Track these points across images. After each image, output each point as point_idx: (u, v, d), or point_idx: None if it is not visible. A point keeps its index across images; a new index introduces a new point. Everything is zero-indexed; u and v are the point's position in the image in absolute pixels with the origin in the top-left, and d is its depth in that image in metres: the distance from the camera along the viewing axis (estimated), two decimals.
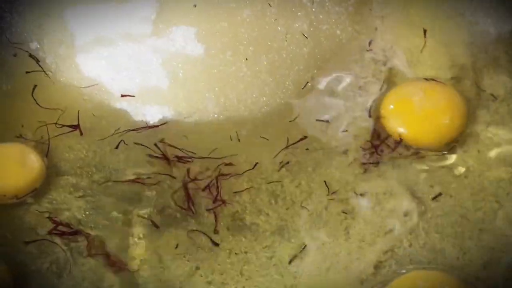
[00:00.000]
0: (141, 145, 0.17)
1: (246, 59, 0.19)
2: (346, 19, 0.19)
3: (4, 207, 0.17)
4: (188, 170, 0.17)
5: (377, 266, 0.16)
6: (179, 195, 0.17)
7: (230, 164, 0.17)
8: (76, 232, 0.17)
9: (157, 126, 0.18)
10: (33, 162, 0.18)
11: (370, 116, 0.17)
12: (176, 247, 0.16)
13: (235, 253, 0.16)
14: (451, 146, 0.17)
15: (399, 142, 0.18)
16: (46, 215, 0.17)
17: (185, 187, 0.17)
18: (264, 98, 0.19)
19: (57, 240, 0.17)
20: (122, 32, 0.21)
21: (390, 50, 0.18)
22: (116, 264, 0.17)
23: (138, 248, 0.17)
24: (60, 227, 0.17)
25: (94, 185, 0.18)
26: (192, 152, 0.18)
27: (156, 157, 0.17)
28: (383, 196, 0.17)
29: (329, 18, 0.20)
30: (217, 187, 0.17)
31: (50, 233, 0.17)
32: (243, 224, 0.17)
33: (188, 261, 0.16)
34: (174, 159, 0.18)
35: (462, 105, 0.18)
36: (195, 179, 0.17)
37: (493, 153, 0.17)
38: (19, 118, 0.18)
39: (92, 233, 0.17)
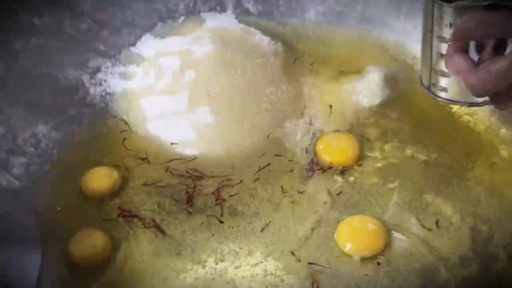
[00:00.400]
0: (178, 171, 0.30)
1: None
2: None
3: (94, 201, 0.28)
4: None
5: (313, 228, 0.28)
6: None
7: (228, 179, 0.30)
8: (135, 216, 0.29)
9: (190, 160, 0.30)
10: (114, 176, 0.29)
11: (306, 152, 0.30)
12: (202, 224, 0.28)
13: (232, 227, 0.28)
14: (354, 165, 0.30)
15: (328, 165, 0.31)
16: (117, 206, 0.29)
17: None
18: (246, 142, 0.32)
19: (122, 220, 0.29)
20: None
21: (314, 117, 0.32)
22: (162, 230, 0.28)
23: (179, 225, 0.28)
24: (124, 213, 0.29)
25: (150, 188, 0.30)
26: (205, 173, 0.30)
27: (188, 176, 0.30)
28: (313, 193, 0.29)
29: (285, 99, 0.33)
30: (219, 192, 0.29)
31: (118, 216, 0.29)
32: (236, 211, 0.28)
33: (207, 231, 0.27)
34: (196, 175, 0.30)
35: (356, 144, 0.31)
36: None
37: (372, 168, 0.30)
38: (111, 151, 0.30)
39: (146, 215, 0.29)
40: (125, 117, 0.32)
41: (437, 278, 0.25)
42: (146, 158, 0.30)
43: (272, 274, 0.28)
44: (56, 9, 0.34)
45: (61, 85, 0.35)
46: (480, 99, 0.24)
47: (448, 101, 0.26)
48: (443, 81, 0.25)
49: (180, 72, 0.33)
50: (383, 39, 0.37)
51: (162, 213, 0.29)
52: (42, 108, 0.34)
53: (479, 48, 0.21)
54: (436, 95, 0.25)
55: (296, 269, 0.26)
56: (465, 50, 0.22)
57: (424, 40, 0.24)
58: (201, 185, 0.30)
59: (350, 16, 0.38)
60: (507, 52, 0.20)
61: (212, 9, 0.40)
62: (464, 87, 0.22)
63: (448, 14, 0.21)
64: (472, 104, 0.25)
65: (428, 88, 0.25)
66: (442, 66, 0.23)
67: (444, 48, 0.22)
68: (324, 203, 0.29)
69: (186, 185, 0.30)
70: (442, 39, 0.22)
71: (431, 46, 0.23)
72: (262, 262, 0.28)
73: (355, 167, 0.31)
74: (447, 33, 0.22)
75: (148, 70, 0.34)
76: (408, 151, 0.32)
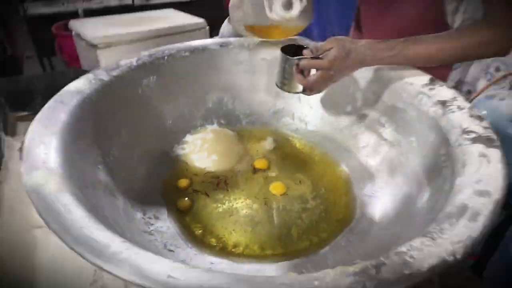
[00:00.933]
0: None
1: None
2: None
3: (184, 190, 0.76)
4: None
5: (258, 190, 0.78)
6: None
7: (226, 178, 0.79)
8: (198, 191, 0.76)
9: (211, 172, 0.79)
10: (188, 181, 0.77)
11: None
12: (219, 191, 0.74)
13: (231, 191, 0.76)
14: None
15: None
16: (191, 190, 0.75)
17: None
18: (228, 166, 0.83)
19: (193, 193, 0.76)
20: None
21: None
22: (207, 194, 0.76)
23: (213, 193, 0.75)
24: (194, 191, 0.76)
25: (201, 183, 0.77)
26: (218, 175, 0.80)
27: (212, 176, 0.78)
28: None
29: None
30: (226, 182, 0.79)
31: (192, 192, 0.75)
32: (232, 187, 0.77)
33: (223, 193, 0.75)
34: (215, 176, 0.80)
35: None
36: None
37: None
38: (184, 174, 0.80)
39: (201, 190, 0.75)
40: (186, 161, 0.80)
41: None
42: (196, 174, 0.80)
43: (248, 205, 0.70)
44: None
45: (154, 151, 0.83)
46: (300, 90, 0.67)
47: (288, 91, 0.68)
48: (286, 83, 0.68)
49: (201, 146, 0.85)
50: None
51: (207, 189, 0.78)
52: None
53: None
54: (283, 90, 0.68)
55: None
56: (301, 72, 0.64)
57: (280, 69, 0.67)
58: (218, 179, 0.79)
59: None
60: (315, 73, 0.63)
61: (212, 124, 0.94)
62: (296, 86, 0.66)
63: (293, 60, 0.63)
64: (296, 92, 0.67)
65: (280, 87, 0.68)
66: (287, 78, 0.67)
67: (290, 72, 0.65)
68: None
69: (212, 180, 0.80)
70: (290, 69, 0.64)
71: (284, 71, 0.66)
72: (243, 200, 0.69)
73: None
74: (293, 66, 0.64)
75: (191, 146, 0.85)
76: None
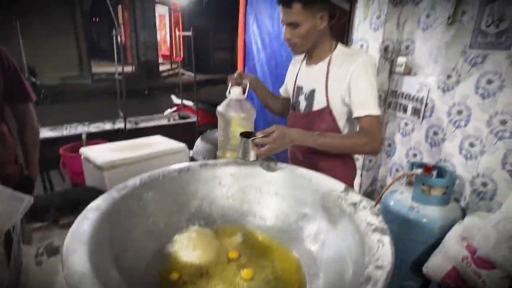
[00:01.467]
0: None
1: None
2: None
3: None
4: None
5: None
6: None
7: None
8: (185, 282, 0.83)
9: None
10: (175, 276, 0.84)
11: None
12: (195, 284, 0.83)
13: (208, 285, 0.84)
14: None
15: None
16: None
17: None
18: None
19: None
20: None
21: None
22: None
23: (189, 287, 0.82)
24: None
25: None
26: None
27: None
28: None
29: None
30: (202, 274, 0.86)
31: (181, 283, 0.82)
32: (209, 279, 0.85)
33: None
34: None
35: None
36: None
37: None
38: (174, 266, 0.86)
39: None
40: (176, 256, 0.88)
41: None
42: (184, 267, 0.87)
43: None
44: None
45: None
46: (255, 158, 0.95)
47: (247, 160, 0.94)
48: (246, 156, 0.93)
49: (187, 244, 0.94)
50: None
51: (194, 279, 0.84)
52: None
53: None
54: (245, 160, 0.94)
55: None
56: (256, 146, 0.91)
57: (242, 147, 0.92)
58: (202, 270, 0.86)
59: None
60: (265, 147, 0.92)
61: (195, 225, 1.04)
62: (252, 156, 0.94)
63: (249, 140, 0.90)
64: (253, 160, 0.95)
65: (242, 158, 0.93)
66: (246, 152, 0.93)
67: (248, 147, 0.92)
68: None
69: (196, 272, 0.87)
70: (248, 145, 0.91)
71: (244, 148, 0.91)
72: (222, 285, 0.83)
73: None
74: (250, 144, 0.91)
75: (179, 243, 0.92)
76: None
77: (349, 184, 1.13)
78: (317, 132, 1.00)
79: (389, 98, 1.99)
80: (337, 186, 0.90)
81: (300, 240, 0.91)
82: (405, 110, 1.76)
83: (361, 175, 2.17)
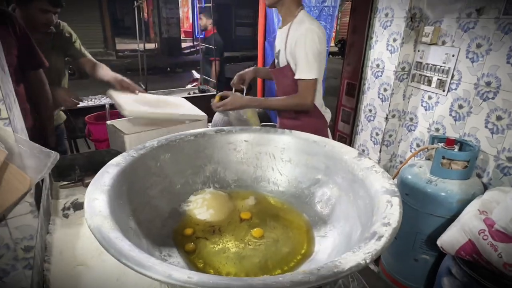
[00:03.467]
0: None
1: None
2: None
3: (189, 236, 0.87)
4: None
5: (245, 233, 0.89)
6: None
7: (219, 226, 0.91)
8: (200, 237, 0.87)
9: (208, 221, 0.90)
10: (191, 230, 0.89)
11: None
12: (215, 234, 0.87)
13: (220, 233, 0.88)
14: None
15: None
16: (195, 236, 0.87)
17: None
18: (222, 217, 0.95)
19: (195, 239, 0.87)
20: None
21: None
22: (206, 238, 0.86)
23: (201, 242, 0.87)
24: (198, 236, 0.87)
25: (201, 231, 0.89)
26: (214, 224, 0.91)
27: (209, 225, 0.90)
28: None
29: None
30: (214, 231, 0.90)
31: (196, 238, 0.87)
32: (221, 231, 0.89)
33: (217, 236, 0.86)
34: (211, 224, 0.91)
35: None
36: None
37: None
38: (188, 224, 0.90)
39: (201, 236, 0.87)
40: (190, 214, 0.92)
41: None
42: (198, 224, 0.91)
43: (236, 245, 0.84)
44: None
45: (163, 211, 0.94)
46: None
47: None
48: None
49: (201, 204, 0.97)
50: None
51: (206, 235, 0.87)
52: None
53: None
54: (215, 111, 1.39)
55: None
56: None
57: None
58: (214, 227, 0.89)
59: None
60: (220, 104, 1.35)
61: (210, 187, 1.07)
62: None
63: (213, 101, 1.33)
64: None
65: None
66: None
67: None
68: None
69: (210, 228, 0.91)
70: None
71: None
72: (233, 242, 0.78)
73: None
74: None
75: (194, 203, 0.96)
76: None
77: (322, 133, 1.28)
78: (263, 98, 1.49)
79: (413, 70, 1.90)
80: (351, 152, 0.89)
81: (312, 205, 0.92)
82: (429, 82, 1.68)
83: (380, 151, 2.13)
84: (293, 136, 1.04)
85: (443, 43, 1.71)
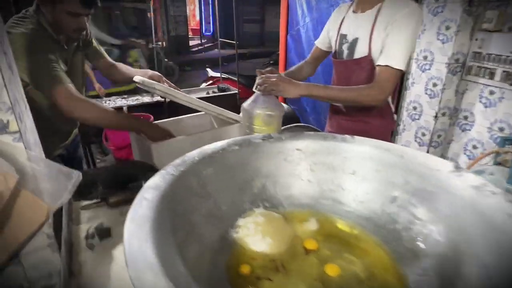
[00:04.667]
0: None
1: None
2: None
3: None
4: None
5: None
6: None
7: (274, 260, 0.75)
8: (259, 277, 0.71)
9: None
10: (248, 267, 0.73)
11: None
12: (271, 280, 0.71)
13: (287, 281, 0.72)
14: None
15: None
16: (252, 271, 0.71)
17: None
18: (276, 250, 0.79)
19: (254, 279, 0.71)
20: None
21: None
22: (269, 279, 0.70)
23: (264, 285, 0.71)
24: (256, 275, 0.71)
25: (257, 267, 0.72)
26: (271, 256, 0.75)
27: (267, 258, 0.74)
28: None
29: None
30: (277, 267, 0.74)
31: (253, 278, 0.71)
32: (287, 273, 0.73)
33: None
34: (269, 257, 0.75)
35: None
36: None
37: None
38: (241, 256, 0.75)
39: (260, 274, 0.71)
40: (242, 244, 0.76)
41: None
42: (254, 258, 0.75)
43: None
44: None
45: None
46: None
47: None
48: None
49: (254, 229, 0.81)
50: None
51: (269, 274, 0.67)
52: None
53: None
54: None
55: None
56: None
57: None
58: (276, 262, 0.72)
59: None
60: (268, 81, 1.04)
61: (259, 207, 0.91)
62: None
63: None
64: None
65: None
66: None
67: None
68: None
69: (270, 264, 0.75)
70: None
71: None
72: (304, 282, 0.64)
73: None
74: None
75: (244, 229, 0.81)
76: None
77: (385, 138, 1.18)
78: (322, 85, 1.08)
79: (469, 62, 1.71)
80: (443, 164, 0.72)
81: (391, 230, 0.76)
82: (491, 75, 1.49)
83: (427, 152, 1.94)
84: (358, 143, 0.88)
85: (510, 29, 1.52)
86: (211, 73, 4.40)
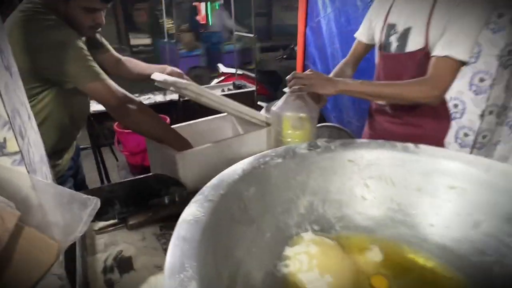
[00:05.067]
0: None
1: None
2: None
3: None
4: None
5: None
6: None
7: None
8: None
9: None
10: None
11: None
12: None
13: None
14: None
15: None
16: None
17: None
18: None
19: None
20: None
21: None
22: None
23: None
24: None
25: None
26: None
27: None
28: None
29: None
30: None
31: None
32: None
33: None
34: None
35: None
36: None
37: None
38: None
39: None
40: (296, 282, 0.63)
41: None
42: None
43: None
44: None
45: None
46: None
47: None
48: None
49: (308, 263, 0.68)
50: None
51: None
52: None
53: None
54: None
55: None
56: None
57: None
58: None
59: None
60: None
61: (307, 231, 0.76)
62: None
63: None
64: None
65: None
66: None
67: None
68: None
69: None
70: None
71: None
72: None
73: None
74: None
75: (294, 261, 0.67)
76: None
77: (440, 144, 1.06)
78: (360, 81, 0.96)
79: None
80: None
81: (477, 263, 0.61)
82: None
83: (471, 154, 1.78)
84: (424, 153, 0.74)
85: None
86: (222, 68, 4.23)
